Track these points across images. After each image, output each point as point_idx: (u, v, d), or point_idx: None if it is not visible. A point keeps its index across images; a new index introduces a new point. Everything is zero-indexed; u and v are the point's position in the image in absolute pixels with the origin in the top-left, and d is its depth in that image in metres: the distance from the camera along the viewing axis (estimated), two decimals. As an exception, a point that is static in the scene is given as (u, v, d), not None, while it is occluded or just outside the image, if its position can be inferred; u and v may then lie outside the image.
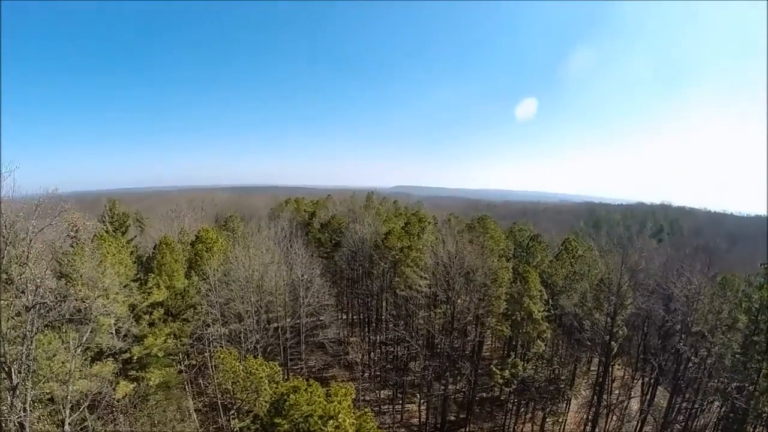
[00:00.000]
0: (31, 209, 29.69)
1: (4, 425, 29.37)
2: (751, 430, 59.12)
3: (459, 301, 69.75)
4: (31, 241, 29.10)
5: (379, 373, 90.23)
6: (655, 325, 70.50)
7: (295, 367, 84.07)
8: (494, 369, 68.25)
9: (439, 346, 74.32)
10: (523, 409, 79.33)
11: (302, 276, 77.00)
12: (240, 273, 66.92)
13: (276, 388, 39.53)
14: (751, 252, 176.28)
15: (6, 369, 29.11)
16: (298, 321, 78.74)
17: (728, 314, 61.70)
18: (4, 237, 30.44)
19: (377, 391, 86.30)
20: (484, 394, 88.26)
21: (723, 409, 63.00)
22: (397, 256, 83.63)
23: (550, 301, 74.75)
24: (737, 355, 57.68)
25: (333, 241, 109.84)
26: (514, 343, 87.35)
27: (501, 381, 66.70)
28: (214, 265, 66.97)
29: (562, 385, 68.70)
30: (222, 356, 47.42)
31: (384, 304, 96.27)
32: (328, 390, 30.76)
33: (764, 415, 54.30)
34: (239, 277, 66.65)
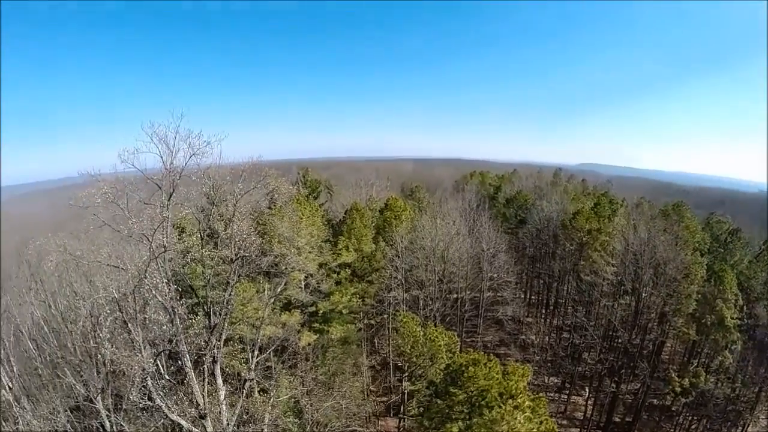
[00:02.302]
0: (237, 174, 32.68)
1: (202, 359, 33.11)
2: None
3: (644, 294, 63.80)
4: (236, 202, 32.13)
5: (551, 359, 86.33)
6: None
7: (469, 340, 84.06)
8: (672, 375, 61.30)
9: (617, 340, 69.34)
10: (694, 426, 70.54)
11: (487, 250, 75.90)
12: (426, 242, 67.46)
13: (452, 357, 40.17)
14: None
15: (206, 310, 32.64)
16: (478, 294, 77.84)
17: None
18: (210, 198, 34.01)
19: (546, 377, 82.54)
20: (655, 401, 79.00)
21: None
22: (584, 239, 78.99)
23: (745, 308, 64.26)
24: None
25: (518, 217, 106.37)
26: (698, 349, 77.93)
27: (678, 390, 59.50)
28: (402, 232, 68.86)
29: (742, 408, 59.88)
30: (404, 320, 48.32)
31: (565, 287, 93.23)
32: (505, 368, 30.67)
33: None
34: (425, 245, 67.25)
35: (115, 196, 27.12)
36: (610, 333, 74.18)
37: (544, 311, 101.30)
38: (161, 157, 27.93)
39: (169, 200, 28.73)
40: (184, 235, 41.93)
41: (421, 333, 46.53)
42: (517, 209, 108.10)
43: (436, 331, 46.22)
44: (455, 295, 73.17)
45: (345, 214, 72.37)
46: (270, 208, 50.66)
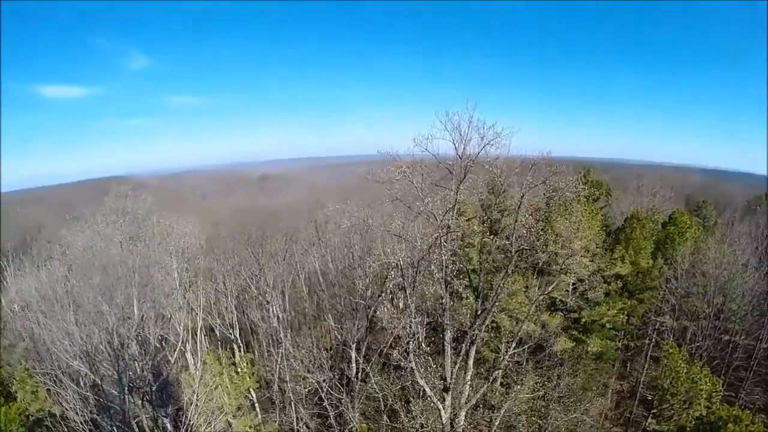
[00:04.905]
0: (527, 167, 32.82)
1: (462, 337, 35.31)
2: None
3: None
4: (524, 195, 32.70)
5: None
6: None
7: (728, 393, 74.73)
8: None
9: None
10: None
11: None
12: (708, 267, 59.10)
13: (710, 407, 37.64)
14: None
15: (477, 294, 34.74)
16: (753, 343, 69.93)
17: None
18: (494, 189, 35.90)
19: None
20: None
21: None
22: None
23: None
24: None
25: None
26: None
27: None
28: (685, 252, 64.71)
29: None
30: (670, 351, 43.40)
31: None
32: (762, 436, 28.29)
33: None
34: (707, 271, 59.66)
35: (411, 175, 29.75)
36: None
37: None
38: (453, 144, 29.20)
39: (459, 185, 30.80)
40: (462, 219, 44.55)
41: (684, 370, 41.37)
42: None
43: (701, 372, 40.59)
44: (727, 337, 67.16)
45: (624, 222, 68.76)
46: (547, 204, 50.95)
